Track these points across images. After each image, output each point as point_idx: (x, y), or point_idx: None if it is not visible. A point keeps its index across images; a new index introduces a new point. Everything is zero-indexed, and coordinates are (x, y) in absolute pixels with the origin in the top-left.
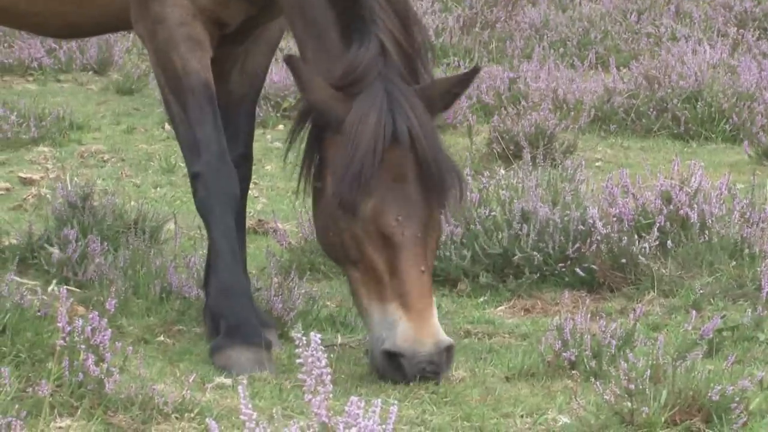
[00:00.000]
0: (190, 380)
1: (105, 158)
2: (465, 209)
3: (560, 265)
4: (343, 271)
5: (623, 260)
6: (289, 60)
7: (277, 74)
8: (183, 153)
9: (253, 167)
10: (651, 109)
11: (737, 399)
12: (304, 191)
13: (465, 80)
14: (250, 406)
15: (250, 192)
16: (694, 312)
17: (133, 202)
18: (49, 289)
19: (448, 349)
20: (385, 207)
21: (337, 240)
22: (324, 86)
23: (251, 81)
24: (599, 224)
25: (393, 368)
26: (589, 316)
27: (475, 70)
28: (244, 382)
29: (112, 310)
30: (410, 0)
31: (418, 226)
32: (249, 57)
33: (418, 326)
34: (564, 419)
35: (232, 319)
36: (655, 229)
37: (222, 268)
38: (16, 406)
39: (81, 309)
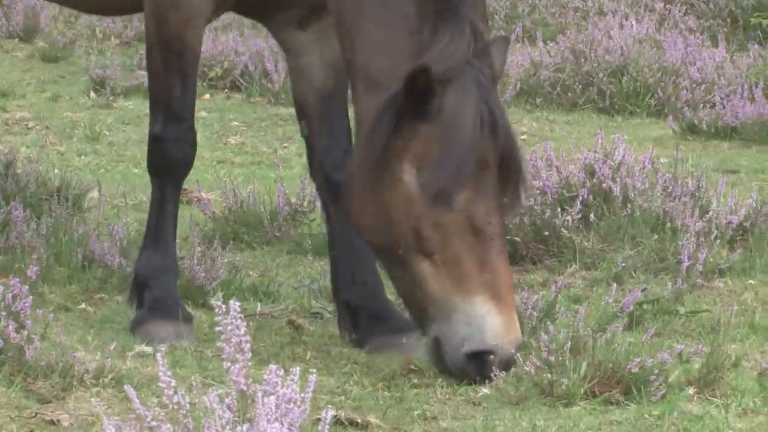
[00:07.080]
0: (111, 348)
1: (29, 126)
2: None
3: None
4: (392, 269)
5: (546, 233)
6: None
7: (203, 44)
8: (150, 104)
9: None
10: (577, 83)
11: (656, 371)
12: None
13: (504, 55)
14: (169, 374)
15: None
16: (615, 285)
17: (56, 170)
18: None
19: None
20: (478, 198)
21: (407, 231)
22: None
23: (335, 72)
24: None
25: (476, 367)
26: None
27: (506, 41)
28: (163, 350)
29: (34, 277)
30: None
31: (501, 217)
32: (325, 47)
33: (508, 322)
34: (483, 390)
35: (156, 292)
36: (578, 202)
37: (156, 239)
38: None
39: (2, 277)
